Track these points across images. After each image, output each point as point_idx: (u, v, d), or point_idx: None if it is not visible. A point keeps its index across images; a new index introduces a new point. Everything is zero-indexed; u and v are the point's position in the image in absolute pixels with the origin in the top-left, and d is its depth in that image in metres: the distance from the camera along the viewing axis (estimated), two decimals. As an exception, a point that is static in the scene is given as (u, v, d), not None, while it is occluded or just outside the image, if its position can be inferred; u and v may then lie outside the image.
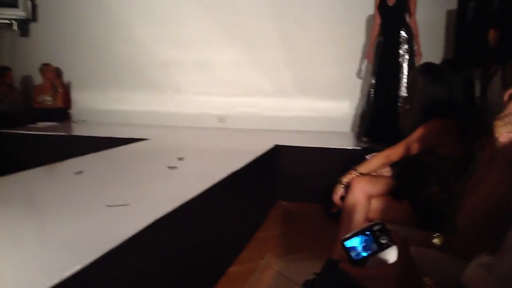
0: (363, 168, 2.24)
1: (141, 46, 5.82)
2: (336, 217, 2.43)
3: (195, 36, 5.63)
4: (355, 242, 0.87)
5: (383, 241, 0.85)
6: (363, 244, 0.86)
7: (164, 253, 1.86)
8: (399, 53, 4.26)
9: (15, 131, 4.83)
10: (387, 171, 2.33)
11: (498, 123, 0.90)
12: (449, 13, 4.77)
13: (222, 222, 2.61)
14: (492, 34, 3.53)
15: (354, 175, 2.22)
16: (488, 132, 2.15)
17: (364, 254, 0.87)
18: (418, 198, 2.12)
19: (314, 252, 2.81)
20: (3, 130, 4.82)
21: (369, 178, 2.21)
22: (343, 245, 0.88)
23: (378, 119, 4.35)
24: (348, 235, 0.87)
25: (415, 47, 4.28)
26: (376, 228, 0.86)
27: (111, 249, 1.44)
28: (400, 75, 4.23)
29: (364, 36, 5.10)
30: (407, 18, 4.28)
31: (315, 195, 3.76)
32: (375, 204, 2.16)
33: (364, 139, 4.39)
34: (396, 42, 4.27)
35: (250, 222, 3.19)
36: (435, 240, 1.36)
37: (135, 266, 1.62)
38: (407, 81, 2.40)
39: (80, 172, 2.60)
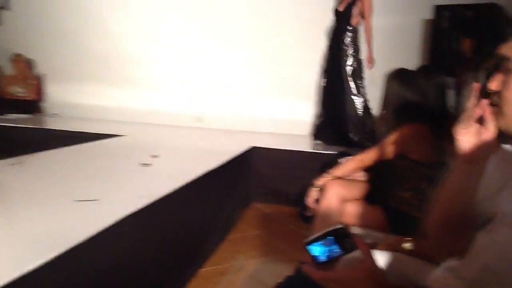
0: (337, 171, 2.24)
1: (117, 40, 5.71)
2: (311, 220, 2.43)
3: (174, 32, 5.56)
4: (318, 245, 0.86)
5: (347, 245, 0.85)
6: (326, 247, 0.86)
7: (133, 250, 1.82)
8: (342, 58, 4.30)
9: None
10: (361, 176, 2.34)
11: (458, 121, 0.91)
12: (424, 21, 4.85)
13: (194, 222, 2.57)
14: (467, 43, 3.62)
15: (328, 178, 2.22)
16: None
17: (328, 257, 0.86)
18: (390, 203, 2.13)
19: (288, 254, 2.81)
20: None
21: (343, 182, 2.22)
22: (307, 247, 0.87)
23: (325, 121, 4.48)
24: (311, 238, 0.87)
25: (367, 53, 4.32)
26: (339, 231, 0.85)
27: (77, 244, 1.40)
28: (343, 79, 4.28)
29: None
30: (355, 22, 4.30)
31: (289, 197, 3.76)
32: (349, 208, 2.16)
33: (317, 141, 4.48)
34: (339, 48, 4.33)
35: (223, 223, 3.16)
36: (406, 245, 1.37)
37: (102, 262, 1.57)
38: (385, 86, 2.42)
39: (51, 166, 2.53)
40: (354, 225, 2.16)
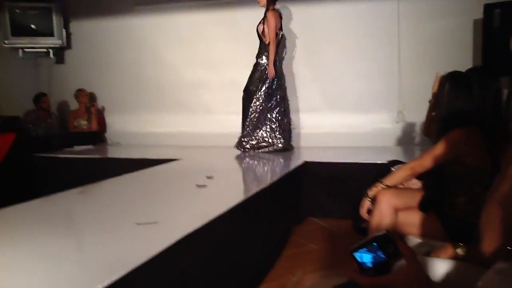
0: (389, 180, 2.22)
1: (170, 68, 6.00)
2: (366, 232, 2.41)
3: (223, 56, 5.76)
4: (363, 252, 0.89)
5: (390, 250, 0.87)
6: (371, 254, 0.89)
7: (191, 270, 1.89)
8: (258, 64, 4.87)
9: (52, 155, 5.01)
10: (414, 184, 2.31)
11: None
12: (476, 22, 4.72)
13: (251, 239, 2.62)
14: None
15: (380, 188, 2.21)
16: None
17: (373, 263, 0.89)
18: (445, 210, 2.08)
19: (345, 268, 2.78)
20: (40, 154, 5.00)
21: (395, 191, 2.20)
22: (352, 254, 0.90)
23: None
24: (356, 245, 0.90)
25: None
26: (383, 237, 0.88)
27: (137, 266, 1.48)
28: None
29: (395, 48, 5.11)
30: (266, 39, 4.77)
31: (345, 210, 3.73)
32: (402, 217, 2.14)
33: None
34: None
35: (279, 239, 3.19)
36: (458, 250, 1.35)
37: (162, 283, 1.65)
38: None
39: (113, 192, 2.68)
40: (409, 234, 2.14)
